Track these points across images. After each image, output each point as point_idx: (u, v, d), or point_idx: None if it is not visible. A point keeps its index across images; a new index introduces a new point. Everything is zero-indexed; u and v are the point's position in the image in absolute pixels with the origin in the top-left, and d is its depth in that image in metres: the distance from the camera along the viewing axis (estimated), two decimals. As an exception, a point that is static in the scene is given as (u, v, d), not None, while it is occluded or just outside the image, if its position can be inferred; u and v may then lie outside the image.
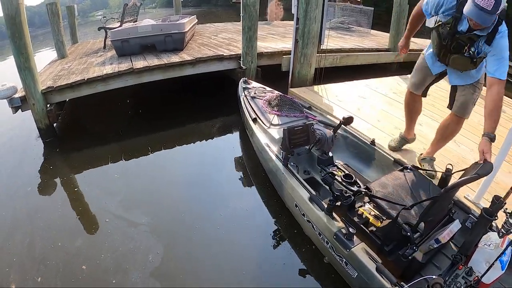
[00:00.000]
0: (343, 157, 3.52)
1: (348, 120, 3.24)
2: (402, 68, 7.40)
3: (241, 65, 6.15)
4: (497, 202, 1.88)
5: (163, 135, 5.36)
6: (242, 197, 3.76)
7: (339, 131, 3.53)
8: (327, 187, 2.66)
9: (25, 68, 4.62)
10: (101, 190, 3.92)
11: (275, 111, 4.14)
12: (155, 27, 6.72)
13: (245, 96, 4.63)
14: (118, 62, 6.11)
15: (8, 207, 3.65)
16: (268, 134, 3.70)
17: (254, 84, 5.06)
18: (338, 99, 5.03)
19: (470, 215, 2.42)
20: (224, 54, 6.26)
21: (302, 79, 5.61)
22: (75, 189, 3.96)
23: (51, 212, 3.55)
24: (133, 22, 8.35)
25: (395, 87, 5.72)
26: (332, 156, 3.24)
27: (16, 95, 4.87)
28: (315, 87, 5.53)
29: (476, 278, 1.67)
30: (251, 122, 4.02)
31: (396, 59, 7.62)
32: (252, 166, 4.21)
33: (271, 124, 3.87)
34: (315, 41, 5.34)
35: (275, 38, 8.17)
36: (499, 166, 2.70)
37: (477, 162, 2.10)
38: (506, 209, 1.83)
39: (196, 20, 8.93)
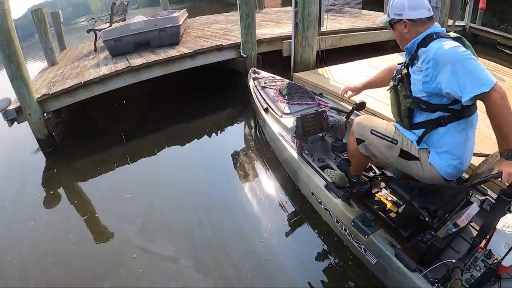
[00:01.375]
0: None
1: (361, 106, 3.19)
2: (398, 46, 7.25)
3: (242, 54, 6.06)
4: None
5: (169, 134, 5.24)
6: (259, 188, 3.64)
7: (352, 116, 3.48)
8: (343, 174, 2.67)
9: (18, 77, 4.43)
10: (115, 213, 3.53)
11: (286, 99, 4.11)
12: (148, 23, 6.58)
13: (255, 86, 4.61)
14: (113, 62, 6.01)
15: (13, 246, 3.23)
16: (281, 123, 3.70)
17: (263, 73, 5.01)
18: (344, 80, 4.97)
19: (488, 196, 2.38)
20: (223, 44, 6.16)
21: (305, 63, 5.55)
22: (87, 214, 3.53)
23: (65, 251, 3.06)
24: (122, 21, 8.18)
25: (396, 62, 5.53)
26: (346, 143, 3.15)
27: (11, 107, 4.69)
28: (319, 70, 5.47)
29: (496, 260, 1.64)
30: (263, 112, 4.01)
31: (392, 37, 7.42)
32: (266, 155, 4.13)
33: (283, 113, 3.85)
34: (315, 23, 5.28)
35: (269, 25, 8.07)
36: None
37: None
38: None
39: (187, 14, 8.79)
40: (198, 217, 3.27)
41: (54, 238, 3.28)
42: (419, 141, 1.98)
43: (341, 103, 4.07)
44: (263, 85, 4.57)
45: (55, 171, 4.54)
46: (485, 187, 2.49)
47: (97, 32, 7.73)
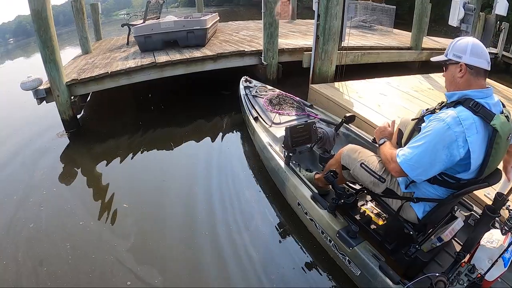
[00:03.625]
0: None
1: (350, 119, 3.24)
2: (424, 67, 7.29)
3: (262, 61, 6.21)
4: (500, 199, 1.86)
5: (178, 131, 5.32)
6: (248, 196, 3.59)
7: (341, 129, 3.53)
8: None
9: (50, 60, 4.77)
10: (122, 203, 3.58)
11: (276, 109, 4.11)
12: (177, 23, 6.82)
13: (246, 95, 4.61)
14: (141, 57, 6.25)
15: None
16: (270, 133, 3.70)
17: (255, 82, 5.03)
18: (358, 96, 4.97)
19: (473, 212, 2.39)
20: (246, 50, 6.32)
21: (323, 76, 5.56)
22: (97, 194, 3.81)
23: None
24: (156, 19, 8.46)
25: (417, 85, 5.60)
26: (334, 155, 3.09)
27: (41, 87, 5.03)
28: (336, 84, 5.47)
29: (479, 275, 1.67)
30: (252, 121, 3.99)
31: (418, 58, 7.52)
32: (255, 164, 4.09)
33: (273, 123, 3.87)
34: (336, 37, 5.29)
35: (296, 36, 8.17)
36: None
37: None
38: (509, 206, 1.81)
39: (218, 18, 9.03)
40: (185, 216, 3.29)
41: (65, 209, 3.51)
42: (408, 185, 2.02)
43: (331, 115, 4.11)
44: (254, 94, 4.57)
45: (73, 149, 4.91)
46: (470, 203, 2.50)
47: (130, 27, 8.04)
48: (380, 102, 4.77)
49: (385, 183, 2.14)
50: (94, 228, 3.22)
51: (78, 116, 5.48)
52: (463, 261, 1.84)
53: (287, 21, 11.28)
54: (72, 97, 5.22)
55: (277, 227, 3.10)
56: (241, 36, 8.13)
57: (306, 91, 5.55)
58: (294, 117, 3.99)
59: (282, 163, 3.13)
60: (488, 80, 5.60)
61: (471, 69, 1.76)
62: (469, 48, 1.77)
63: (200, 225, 3.14)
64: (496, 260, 1.60)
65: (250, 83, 4.98)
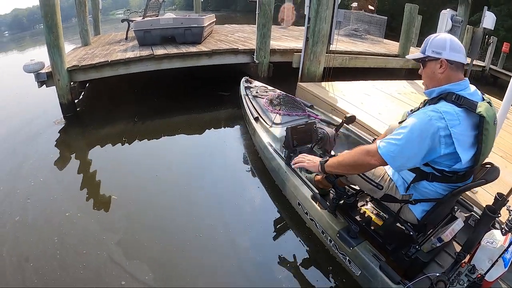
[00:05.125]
0: None
1: (350, 119, 3.18)
2: (411, 74, 7.37)
3: (254, 60, 6.36)
4: (500, 200, 1.83)
5: (174, 124, 5.39)
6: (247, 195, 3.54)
7: (341, 129, 3.48)
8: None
9: (54, 45, 4.90)
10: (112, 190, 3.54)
11: (277, 110, 4.06)
12: (176, 20, 6.97)
13: (247, 95, 4.58)
14: (140, 50, 6.32)
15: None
16: (270, 133, 3.66)
17: (256, 83, 5.02)
18: (342, 94, 5.09)
19: (473, 212, 2.35)
20: (239, 48, 6.45)
21: (311, 75, 5.74)
22: (87, 181, 3.74)
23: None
24: (155, 16, 8.60)
25: (401, 89, 5.71)
26: (334, 155, 2.93)
27: (43, 71, 5.13)
28: (323, 83, 5.62)
29: (479, 275, 1.65)
30: (253, 121, 3.94)
31: (405, 65, 7.64)
32: (255, 163, 4.02)
33: (273, 123, 3.82)
34: (324, 40, 5.47)
35: (289, 39, 8.31)
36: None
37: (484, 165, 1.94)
38: (509, 206, 1.80)
39: (215, 19, 9.15)
40: (186, 222, 3.09)
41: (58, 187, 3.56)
42: (407, 188, 1.99)
43: (331, 115, 4.08)
44: (255, 94, 4.54)
45: (68, 134, 4.99)
46: (470, 203, 2.48)
47: (130, 22, 8.09)
48: (363, 100, 4.87)
49: (383, 190, 2.09)
50: (82, 221, 3.02)
51: (76, 101, 5.57)
52: (463, 261, 1.84)
53: (281, 27, 11.60)
54: (71, 83, 5.31)
55: (277, 227, 3.03)
56: (235, 37, 8.21)
57: (293, 90, 5.61)
58: (295, 118, 3.95)
59: (282, 163, 3.10)
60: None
61: (452, 64, 1.76)
62: (448, 44, 1.76)
63: (195, 224, 3.00)
64: (496, 261, 1.59)
65: (250, 83, 4.98)
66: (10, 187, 3.58)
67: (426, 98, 1.92)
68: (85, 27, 8.04)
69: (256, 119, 3.97)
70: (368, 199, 2.41)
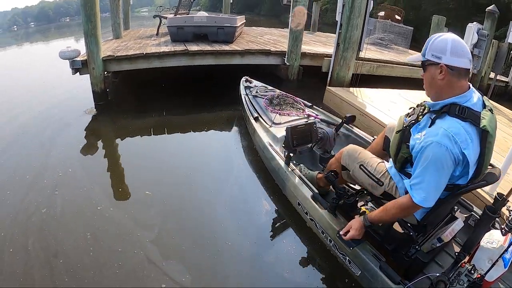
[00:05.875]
0: None
1: (350, 119, 3.22)
2: None
3: (285, 62, 6.45)
4: (500, 200, 1.85)
5: (199, 120, 5.44)
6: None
7: (341, 129, 3.51)
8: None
9: (92, 35, 5.10)
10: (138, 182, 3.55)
11: (277, 110, 4.03)
12: (209, 19, 7.17)
13: (247, 95, 4.55)
14: (173, 45, 6.53)
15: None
16: (270, 133, 3.63)
17: (255, 83, 4.99)
18: (370, 100, 5.16)
19: (473, 212, 2.35)
20: (271, 50, 6.56)
21: (340, 80, 5.82)
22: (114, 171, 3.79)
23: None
24: (185, 14, 8.81)
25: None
26: (334, 155, 2.95)
27: (78, 59, 5.32)
28: (351, 89, 5.71)
29: (479, 275, 1.64)
30: (252, 121, 3.90)
31: None
32: (255, 163, 3.95)
33: (273, 123, 3.81)
34: (355, 46, 5.56)
35: (317, 44, 8.40)
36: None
37: None
38: (509, 206, 1.79)
39: (244, 21, 9.36)
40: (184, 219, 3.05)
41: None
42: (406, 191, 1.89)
43: (331, 115, 4.08)
44: (255, 94, 4.52)
45: (99, 122, 5.15)
46: (470, 203, 2.46)
47: (162, 18, 8.38)
48: (390, 107, 4.93)
49: (383, 186, 2.08)
50: (115, 215, 2.92)
51: (108, 91, 5.74)
52: (463, 261, 1.84)
53: (308, 32, 11.72)
54: (105, 72, 5.52)
55: (277, 227, 2.99)
56: (265, 39, 8.33)
57: (321, 93, 5.80)
58: (295, 117, 3.93)
59: (282, 163, 3.08)
60: (498, 106, 5.82)
61: (452, 70, 1.63)
62: (449, 47, 1.62)
63: (221, 227, 2.94)
64: (496, 261, 1.58)
65: (250, 83, 4.97)
66: (37, 176, 3.48)
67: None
68: (118, 20, 8.34)
69: (256, 119, 3.96)
70: (368, 199, 2.41)
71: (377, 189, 2.15)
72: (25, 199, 3.07)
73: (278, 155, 3.19)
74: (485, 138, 1.62)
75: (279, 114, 3.96)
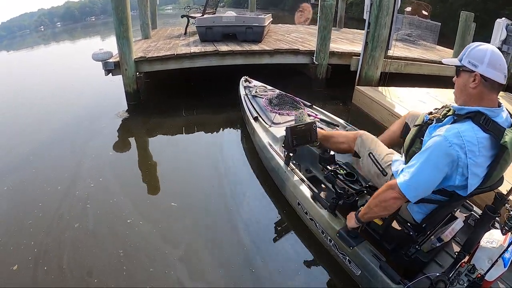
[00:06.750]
0: (345, 155, 3.19)
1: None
2: None
3: (314, 61, 6.49)
4: (500, 199, 1.83)
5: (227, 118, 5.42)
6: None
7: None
8: (330, 185, 2.57)
9: (124, 37, 5.26)
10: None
11: (276, 109, 4.03)
12: (238, 19, 7.27)
13: (246, 94, 4.55)
14: (202, 45, 6.67)
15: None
16: (270, 133, 3.61)
17: (255, 82, 5.01)
18: (399, 100, 5.14)
19: (472, 212, 2.35)
20: (300, 49, 6.60)
21: (368, 80, 5.83)
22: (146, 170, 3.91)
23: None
24: (212, 14, 8.90)
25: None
26: (333, 155, 3.03)
27: (111, 60, 5.56)
28: (379, 88, 5.71)
29: (479, 275, 1.64)
30: (252, 121, 3.91)
31: None
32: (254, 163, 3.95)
33: (273, 123, 3.81)
34: (383, 45, 5.55)
35: (344, 42, 8.35)
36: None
37: None
38: (509, 206, 1.78)
39: (271, 19, 9.37)
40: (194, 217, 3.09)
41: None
42: None
43: (331, 115, 4.06)
44: (254, 94, 4.52)
45: (129, 126, 5.26)
46: (470, 203, 2.46)
47: (190, 18, 8.54)
48: (419, 108, 4.95)
49: (387, 177, 2.10)
50: (144, 229, 2.85)
51: (140, 91, 5.86)
52: (463, 261, 1.83)
53: (334, 29, 11.64)
54: (137, 73, 5.69)
55: (277, 226, 2.98)
56: (293, 38, 8.36)
57: (349, 92, 5.84)
58: (294, 117, 3.88)
59: (282, 163, 3.08)
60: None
61: (486, 81, 1.60)
62: (488, 57, 1.59)
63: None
64: (496, 260, 1.57)
65: (249, 83, 4.98)
66: (69, 187, 3.45)
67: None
68: (146, 20, 8.56)
69: (256, 118, 3.96)
70: (368, 199, 2.36)
71: (380, 179, 2.18)
72: (57, 212, 3.04)
73: (277, 155, 3.22)
74: (502, 155, 1.58)
75: (279, 114, 3.99)
